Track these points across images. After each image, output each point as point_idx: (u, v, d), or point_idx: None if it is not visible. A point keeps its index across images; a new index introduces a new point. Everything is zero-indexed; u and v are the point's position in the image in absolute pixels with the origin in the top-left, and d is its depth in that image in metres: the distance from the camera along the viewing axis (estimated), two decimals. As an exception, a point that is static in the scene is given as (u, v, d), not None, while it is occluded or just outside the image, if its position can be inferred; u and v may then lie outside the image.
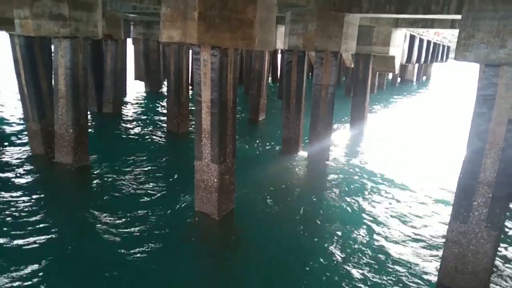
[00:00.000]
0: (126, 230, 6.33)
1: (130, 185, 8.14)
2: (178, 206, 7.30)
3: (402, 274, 5.57)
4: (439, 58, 37.88)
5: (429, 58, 33.25)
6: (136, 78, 23.12)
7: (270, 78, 27.67)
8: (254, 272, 5.50)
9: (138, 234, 6.26)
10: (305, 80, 10.38)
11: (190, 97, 13.19)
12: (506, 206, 5.24)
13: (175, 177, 8.78)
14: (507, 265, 5.91)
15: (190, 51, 12.49)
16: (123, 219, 6.68)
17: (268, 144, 11.96)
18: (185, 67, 12.33)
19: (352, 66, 15.75)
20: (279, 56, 26.24)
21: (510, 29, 4.35)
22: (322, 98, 9.89)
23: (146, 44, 20.67)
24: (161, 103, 17.47)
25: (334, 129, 14.16)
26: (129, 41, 22.25)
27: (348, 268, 5.66)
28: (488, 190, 4.76)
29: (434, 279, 5.43)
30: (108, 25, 13.69)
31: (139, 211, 7.00)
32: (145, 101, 18.00)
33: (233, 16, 6.19)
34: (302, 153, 10.80)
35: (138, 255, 5.66)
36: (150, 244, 5.96)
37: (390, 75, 32.25)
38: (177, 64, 12.19)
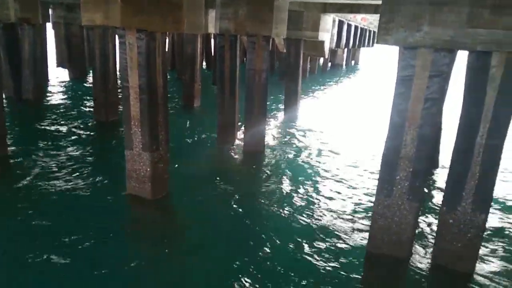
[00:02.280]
0: (53, 223, 5.94)
1: (56, 176, 7.61)
2: (109, 197, 6.98)
3: (336, 247, 5.84)
4: (366, 43, 39.78)
5: (357, 43, 34.77)
6: (58, 65, 21.55)
7: (204, 64, 27.27)
8: (191, 260, 5.46)
9: (66, 227, 5.89)
10: (238, 65, 10.34)
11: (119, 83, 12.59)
12: (425, 179, 5.69)
13: (105, 167, 8.37)
14: (426, 233, 6.42)
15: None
16: (49, 213, 6.24)
17: (203, 130, 11.82)
18: (112, 52, 11.70)
19: (285, 51, 15.97)
20: (213, 41, 25.86)
21: (425, 14, 4.63)
22: (255, 83, 9.90)
23: (68, 29, 19.25)
24: (86, 90, 16.47)
25: (269, 113, 14.35)
26: (49, 25, 20.65)
27: (282, 245, 5.81)
28: (408, 164, 5.11)
29: (363, 249, 5.76)
30: (23, 8, 12.45)
31: (66, 204, 6.59)
32: (69, 88, 16.87)
33: (159, -2, 5.94)
34: (239, 138, 10.82)
35: (69, 249, 5.35)
36: (82, 236, 5.64)
37: (321, 60, 33.24)
38: (102, 49, 11.52)
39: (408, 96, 4.98)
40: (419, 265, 5.48)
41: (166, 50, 23.41)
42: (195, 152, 9.96)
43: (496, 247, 6.06)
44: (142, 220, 6.50)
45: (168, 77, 7.44)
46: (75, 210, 6.46)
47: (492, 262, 5.64)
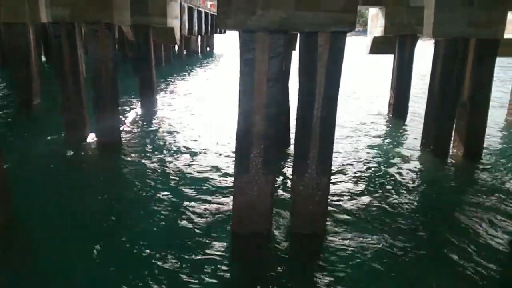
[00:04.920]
0: None
1: None
2: None
3: (203, 230, 5.95)
4: (219, 29, 40.69)
5: (209, 29, 35.31)
6: None
7: (44, 57, 24.33)
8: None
9: None
10: (80, 55, 9.47)
11: None
12: (277, 153, 6.14)
13: None
14: (284, 204, 6.96)
15: None
16: None
17: (49, 132, 10.53)
18: None
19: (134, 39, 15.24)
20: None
21: (256, -3, 4.90)
22: (103, 74, 9.22)
23: None
24: None
25: (125, 105, 13.64)
26: None
27: (151, 242, 5.68)
28: (260, 141, 5.42)
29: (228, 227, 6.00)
30: None
31: None
32: None
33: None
34: (90, 136, 10.00)
35: None
36: None
37: (177, 48, 32.83)
38: None
39: (252, 78, 5.23)
40: (279, 234, 5.93)
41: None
42: (42, 156, 8.84)
43: (341, 208, 6.94)
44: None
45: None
46: None
47: (340, 221, 6.43)
